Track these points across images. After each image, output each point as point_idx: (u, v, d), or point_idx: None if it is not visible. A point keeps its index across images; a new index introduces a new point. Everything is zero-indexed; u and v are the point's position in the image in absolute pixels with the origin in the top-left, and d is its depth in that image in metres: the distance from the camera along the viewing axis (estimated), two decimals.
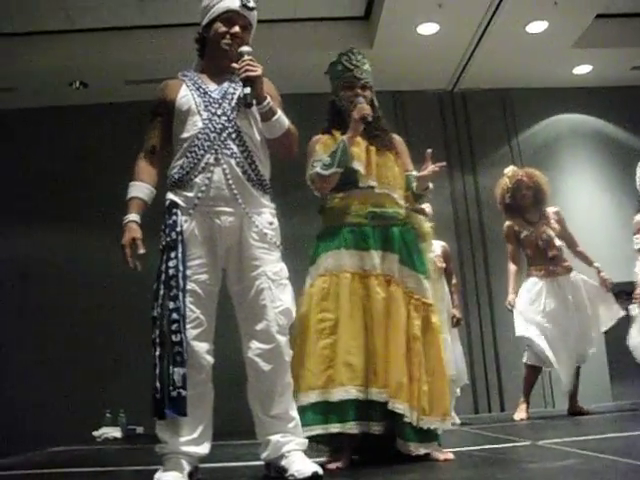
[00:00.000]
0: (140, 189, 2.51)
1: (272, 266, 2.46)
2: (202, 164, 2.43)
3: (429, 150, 2.87)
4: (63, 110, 6.88)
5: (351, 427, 2.61)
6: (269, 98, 2.47)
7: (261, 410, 2.43)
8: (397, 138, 3.07)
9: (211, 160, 2.43)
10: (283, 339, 2.43)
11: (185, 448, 2.32)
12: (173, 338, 2.29)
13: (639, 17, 6.76)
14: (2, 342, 6.19)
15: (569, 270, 4.91)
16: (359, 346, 2.69)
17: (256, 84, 2.42)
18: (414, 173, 2.99)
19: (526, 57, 6.76)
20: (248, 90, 2.40)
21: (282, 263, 2.52)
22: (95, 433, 5.73)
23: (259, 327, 2.41)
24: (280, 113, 2.50)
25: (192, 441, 2.34)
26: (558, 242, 4.89)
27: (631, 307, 4.87)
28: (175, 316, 2.30)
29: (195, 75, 2.62)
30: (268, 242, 2.47)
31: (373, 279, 2.77)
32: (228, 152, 2.44)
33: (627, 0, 6.40)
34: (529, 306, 4.84)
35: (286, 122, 2.52)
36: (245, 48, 2.50)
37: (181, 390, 2.25)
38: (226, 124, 2.47)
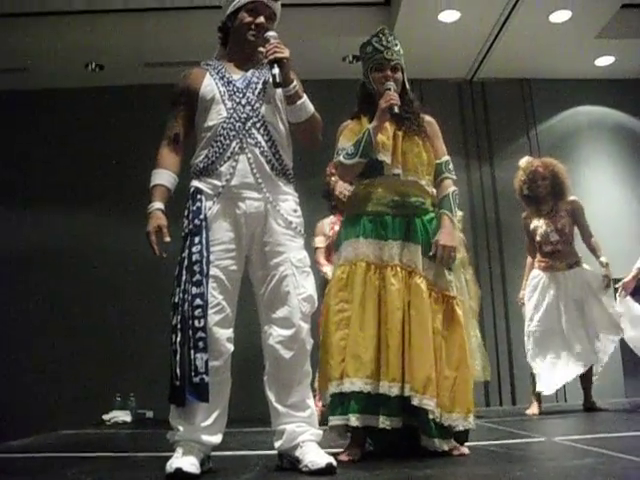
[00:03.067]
0: (164, 177, 2.51)
1: (296, 253, 2.46)
2: (228, 153, 2.43)
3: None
4: (78, 92, 6.82)
5: (354, 420, 2.58)
6: (296, 81, 2.46)
7: (277, 399, 2.41)
8: (429, 120, 2.95)
9: (236, 149, 2.43)
10: (305, 326, 2.42)
11: (198, 436, 2.31)
12: (196, 324, 2.28)
13: None
14: (13, 326, 6.18)
15: (571, 266, 4.81)
16: (368, 337, 2.65)
17: (285, 65, 2.42)
18: (445, 158, 2.91)
19: (548, 47, 6.63)
20: (277, 70, 2.40)
21: (305, 251, 2.52)
22: (105, 416, 5.73)
23: (281, 313, 2.40)
24: (305, 97, 2.49)
25: (206, 429, 2.32)
26: (555, 237, 4.79)
27: (618, 300, 4.76)
28: (199, 301, 2.30)
29: (219, 64, 2.61)
30: (292, 229, 2.47)
31: (389, 270, 2.71)
32: (252, 141, 2.45)
33: None
34: (527, 303, 4.89)
35: (311, 107, 2.51)
36: (271, 33, 2.50)
37: (204, 376, 2.25)
38: (250, 113, 2.47)
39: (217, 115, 2.47)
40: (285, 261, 2.42)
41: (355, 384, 2.58)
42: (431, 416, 2.55)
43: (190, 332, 2.27)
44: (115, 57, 6.56)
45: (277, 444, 2.43)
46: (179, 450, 2.28)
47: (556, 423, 4.19)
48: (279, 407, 2.41)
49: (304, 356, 2.43)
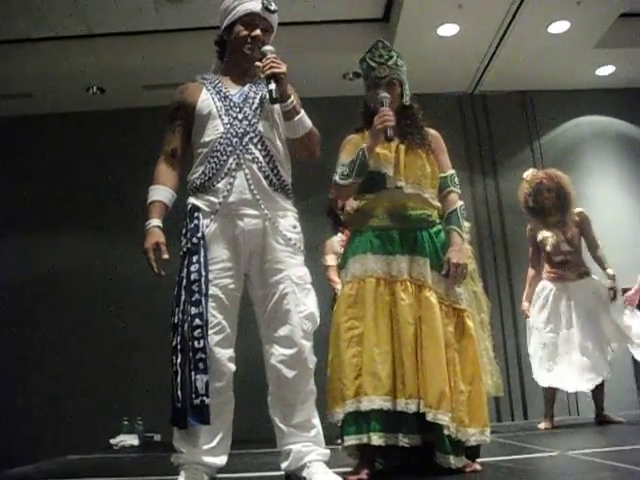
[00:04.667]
0: (161, 193, 2.48)
1: (296, 270, 2.42)
2: (225, 169, 2.40)
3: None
4: (80, 116, 6.85)
5: (376, 438, 2.52)
6: (293, 96, 2.44)
7: (282, 419, 2.36)
8: (433, 134, 2.91)
9: (233, 165, 2.40)
10: (307, 344, 2.38)
11: (202, 458, 2.27)
12: (196, 344, 2.25)
13: None
14: (19, 348, 6.15)
15: (582, 276, 4.77)
16: (384, 353, 2.60)
17: (281, 81, 2.39)
18: (450, 172, 2.88)
19: (548, 58, 6.63)
20: (273, 86, 2.37)
21: (305, 268, 2.49)
22: (112, 440, 5.67)
23: (283, 332, 2.36)
24: (303, 113, 2.47)
25: (209, 451, 2.28)
26: (566, 247, 4.76)
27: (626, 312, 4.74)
28: (198, 321, 2.27)
29: (215, 78, 2.59)
30: (292, 246, 2.44)
31: (399, 285, 2.67)
32: (250, 157, 2.41)
33: None
34: (537, 316, 4.80)
35: (309, 122, 2.49)
36: (267, 47, 2.47)
37: (204, 398, 2.22)
38: (247, 128, 2.44)
39: (214, 130, 2.44)
40: (285, 279, 2.39)
41: (374, 402, 2.53)
42: (446, 432, 2.50)
43: (190, 353, 2.24)
44: (116, 80, 6.58)
45: (283, 465, 2.39)
46: (183, 474, 2.24)
47: (569, 437, 4.13)
48: (284, 427, 2.36)
49: (307, 375, 2.39)
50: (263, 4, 2.53)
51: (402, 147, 2.81)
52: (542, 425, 4.77)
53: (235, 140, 2.42)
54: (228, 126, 2.43)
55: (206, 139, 2.45)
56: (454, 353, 2.63)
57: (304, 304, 2.40)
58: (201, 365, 2.23)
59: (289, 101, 2.41)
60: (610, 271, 4.74)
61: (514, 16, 5.94)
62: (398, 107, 2.86)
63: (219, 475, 2.40)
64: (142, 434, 5.80)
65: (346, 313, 2.69)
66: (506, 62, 6.66)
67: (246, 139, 2.43)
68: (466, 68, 6.87)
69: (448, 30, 6.14)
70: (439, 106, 6.94)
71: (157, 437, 5.85)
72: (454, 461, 2.52)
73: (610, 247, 5.62)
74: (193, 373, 2.22)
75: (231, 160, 2.40)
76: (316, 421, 2.40)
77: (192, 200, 2.44)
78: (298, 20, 6.15)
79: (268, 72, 2.38)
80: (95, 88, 6.73)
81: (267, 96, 2.41)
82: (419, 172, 2.78)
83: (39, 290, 6.40)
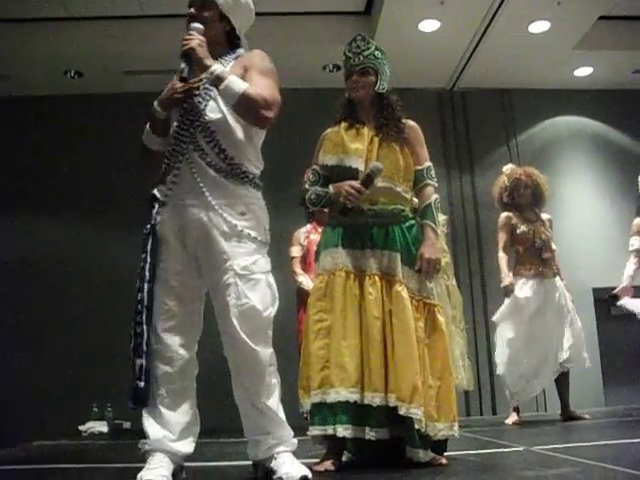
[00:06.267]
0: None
1: (241, 260, 2.32)
2: (173, 159, 2.39)
3: None
4: (59, 99, 6.77)
5: (341, 430, 2.54)
6: (215, 66, 2.35)
7: (247, 409, 2.36)
8: (411, 125, 2.90)
9: (179, 156, 2.38)
10: (247, 339, 2.28)
11: (168, 445, 2.26)
12: (136, 329, 2.28)
13: None
14: None
15: (555, 275, 4.87)
16: (352, 346, 2.62)
17: (191, 56, 2.34)
18: (426, 164, 2.87)
19: (527, 57, 6.70)
20: (182, 65, 2.35)
21: (257, 256, 2.37)
22: (81, 427, 5.65)
23: (224, 327, 2.34)
24: (231, 79, 2.33)
25: (176, 438, 2.28)
26: (554, 246, 4.87)
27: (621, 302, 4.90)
28: (138, 307, 2.29)
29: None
30: (239, 234, 2.34)
31: (367, 279, 2.69)
32: (193, 146, 2.37)
33: (632, 2, 6.31)
34: (515, 316, 4.77)
35: (241, 86, 2.32)
36: (194, 24, 2.42)
37: (139, 382, 2.25)
38: (193, 117, 2.40)
39: (172, 123, 2.44)
40: (228, 269, 2.30)
41: (341, 394, 2.55)
42: (417, 426, 2.52)
43: (132, 337, 2.29)
44: (94, 65, 6.52)
45: (251, 454, 2.40)
46: (150, 461, 2.24)
47: (535, 432, 4.18)
48: (249, 417, 2.37)
49: (255, 369, 2.32)
50: None
51: (376, 140, 2.82)
52: (509, 420, 4.83)
53: (183, 132, 2.39)
54: (180, 118, 2.42)
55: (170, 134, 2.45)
56: (424, 348, 2.65)
57: (246, 297, 2.29)
58: (139, 349, 2.26)
59: (209, 71, 2.34)
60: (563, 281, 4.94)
61: (495, 14, 5.99)
62: (371, 96, 2.89)
63: (187, 464, 2.40)
64: (111, 421, 5.78)
65: (315, 306, 2.72)
66: (486, 60, 6.72)
67: (192, 129, 2.39)
68: (446, 64, 6.91)
69: (429, 26, 6.17)
70: (418, 101, 6.94)
71: (127, 424, 5.82)
72: (422, 455, 2.55)
73: (583, 247, 5.73)
74: (133, 357, 2.26)
75: (178, 151, 2.38)
76: (281, 412, 2.38)
77: (153, 191, 2.43)
78: (280, 10, 6.14)
79: (181, 51, 2.36)
80: (73, 72, 6.66)
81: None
82: (392, 166, 2.78)
83: (7, 274, 6.34)
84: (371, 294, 2.66)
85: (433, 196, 2.84)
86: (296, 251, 4.60)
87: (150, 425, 2.29)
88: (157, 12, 6.15)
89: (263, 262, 2.39)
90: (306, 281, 4.39)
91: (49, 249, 6.42)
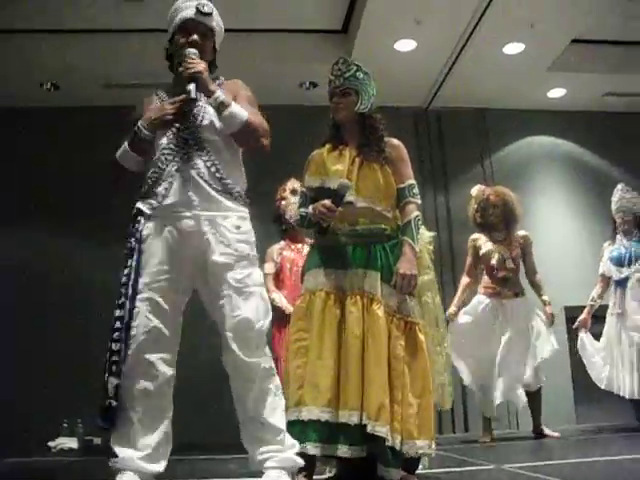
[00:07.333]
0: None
1: (236, 272, 2.37)
2: (164, 174, 2.41)
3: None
4: (35, 111, 6.71)
5: (310, 448, 2.55)
6: (219, 92, 2.44)
7: (238, 413, 2.40)
8: (394, 144, 2.94)
9: (172, 171, 2.41)
10: (240, 351, 2.33)
11: (138, 463, 2.24)
12: (113, 347, 2.26)
13: (613, 44, 6.84)
14: None
15: (517, 294, 4.88)
16: (326, 366, 2.63)
17: (199, 80, 2.42)
18: (409, 182, 2.91)
19: (502, 78, 6.79)
20: (191, 86, 2.41)
21: (251, 269, 2.43)
22: (51, 443, 5.56)
23: (222, 336, 2.36)
24: (234, 106, 2.44)
25: (146, 457, 2.27)
26: (511, 265, 4.85)
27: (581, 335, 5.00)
28: (118, 324, 2.29)
29: (168, 90, 2.61)
30: (234, 247, 2.39)
31: (349, 298, 2.72)
32: (190, 163, 2.42)
33: (602, 27, 6.44)
34: (461, 317, 4.86)
35: (244, 114, 2.45)
36: (189, 49, 2.48)
37: (112, 401, 2.23)
38: (189, 136, 2.46)
39: (163, 139, 2.46)
40: (223, 282, 2.36)
41: (312, 412, 2.57)
42: (388, 444, 2.52)
43: (107, 355, 2.26)
44: (71, 78, 6.48)
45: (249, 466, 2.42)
46: (119, 479, 2.22)
47: (507, 450, 4.21)
48: (246, 428, 2.39)
49: (250, 382, 2.35)
50: (197, 8, 2.53)
51: (357, 160, 2.85)
52: (482, 438, 4.84)
53: (177, 148, 2.44)
54: (171, 136, 2.46)
55: (157, 148, 2.46)
56: (404, 366, 2.66)
57: (239, 308, 2.34)
58: (114, 368, 2.24)
59: (214, 97, 2.42)
60: (546, 297, 4.93)
61: (470, 35, 6.07)
62: (353, 116, 2.94)
63: None
64: (82, 437, 5.69)
65: (295, 325, 2.76)
66: (461, 79, 6.79)
67: (186, 147, 2.44)
68: (422, 84, 6.98)
69: (405, 45, 6.23)
70: (394, 120, 6.91)
71: (97, 440, 5.71)
72: (394, 474, 2.55)
73: (556, 266, 5.75)
74: (107, 375, 2.24)
75: (171, 166, 2.42)
76: (278, 424, 2.38)
77: (137, 204, 2.44)
78: (256, 27, 6.15)
79: (185, 73, 2.42)
80: (49, 84, 6.62)
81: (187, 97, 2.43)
82: (372, 186, 2.81)
83: None
84: (352, 313, 2.68)
85: (413, 213, 2.87)
86: (269, 268, 4.57)
87: (121, 442, 2.27)
88: (135, 26, 6.13)
89: (257, 275, 2.45)
90: (279, 298, 4.38)
91: (19, 262, 6.33)
